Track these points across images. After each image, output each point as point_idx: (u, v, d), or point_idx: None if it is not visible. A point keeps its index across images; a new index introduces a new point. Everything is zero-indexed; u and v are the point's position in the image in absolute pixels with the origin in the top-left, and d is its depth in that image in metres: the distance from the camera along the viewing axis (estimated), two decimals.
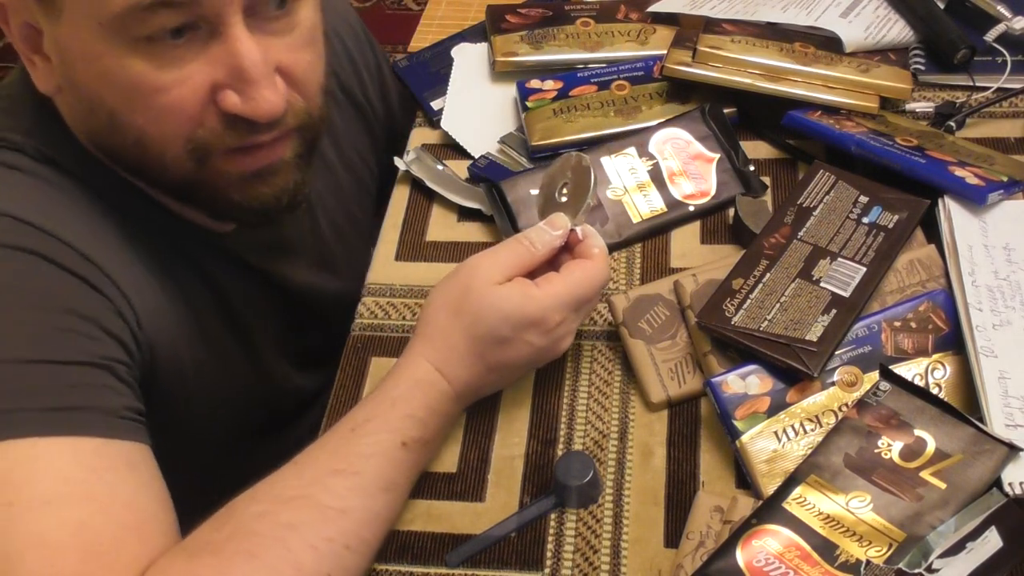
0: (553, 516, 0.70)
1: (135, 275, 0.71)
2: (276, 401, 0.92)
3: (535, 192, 0.84)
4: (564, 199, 0.73)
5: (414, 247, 0.88)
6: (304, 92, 0.69)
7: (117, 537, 0.57)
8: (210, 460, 0.83)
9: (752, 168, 0.89)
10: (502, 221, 0.86)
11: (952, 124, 0.89)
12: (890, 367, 0.69)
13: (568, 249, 0.71)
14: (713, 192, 0.87)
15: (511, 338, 0.67)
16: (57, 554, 0.55)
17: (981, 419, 0.65)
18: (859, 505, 0.62)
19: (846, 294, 0.72)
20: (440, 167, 0.93)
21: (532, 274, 0.69)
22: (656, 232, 0.86)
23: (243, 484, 0.62)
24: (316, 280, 0.91)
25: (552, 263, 0.71)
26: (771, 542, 0.61)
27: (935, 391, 0.69)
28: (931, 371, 0.70)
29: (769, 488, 0.66)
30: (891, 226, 0.76)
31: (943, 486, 0.62)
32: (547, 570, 0.67)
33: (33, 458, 0.58)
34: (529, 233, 0.70)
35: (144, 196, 0.74)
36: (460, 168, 0.93)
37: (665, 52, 0.95)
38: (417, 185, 0.93)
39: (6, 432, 0.58)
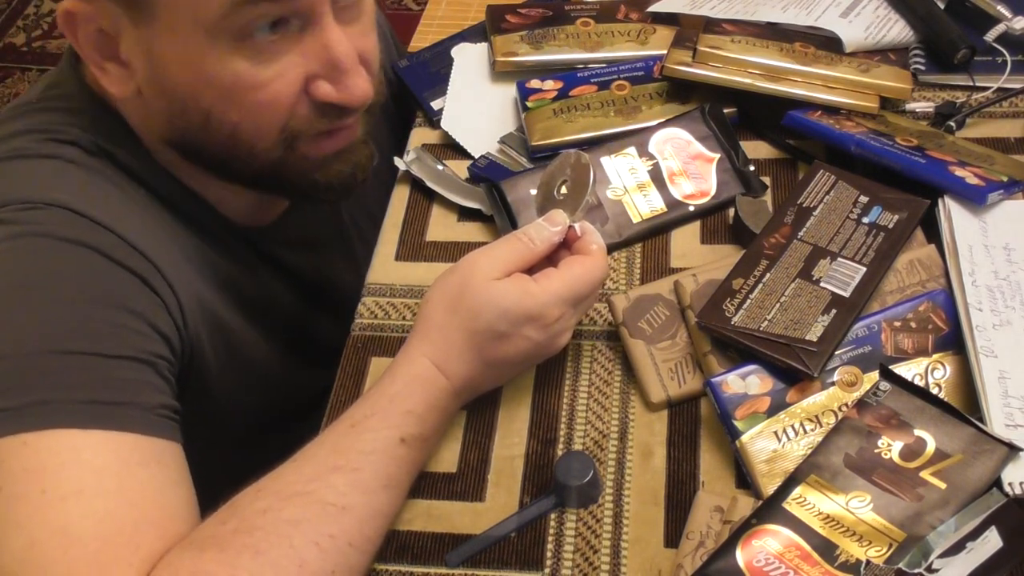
0: (553, 516, 0.70)
1: (183, 270, 0.73)
2: (295, 392, 0.94)
3: (535, 191, 0.85)
4: (562, 196, 0.73)
5: (414, 247, 0.88)
6: (373, 72, 0.72)
7: (138, 530, 0.58)
8: (231, 448, 0.85)
9: (752, 168, 0.89)
10: (502, 221, 0.86)
11: (952, 124, 0.89)
12: (890, 367, 0.69)
13: (566, 246, 0.72)
14: (713, 192, 0.87)
15: (509, 334, 0.67)
16: (76, 543, 0.56)
17: (981, 419, 0.65)
18: (859, 505, 0.62)
19: (846, 294, 0.72)
20: (440, 167, 0.93)
21: (530, 270, 0.70)
22: (656, 232, 0.86)
23: (261, 473, 0.63)
24: (336, 274, 0.94)
25: (550, 259, 0.71)
26: (771, 542, 0.61)
27: (935, 391, 0.69)
28: (931, 371, 0.70)
29: (769, 488, 0.66)
30: (891, 226, 0.77)
31: (943, 486, 0.62)
32: (547, 570, 0.67)
33: (70, 449, 0.59)
34: (528, 229, 0.70)
35: (188, 191, 0.77)
36: (460, 168, 0.93)
37: (665, 52, 0.95)
38: (417, 185, 0.93)
39: (47, 422, 0.59)
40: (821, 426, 0.68)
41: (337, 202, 0.86)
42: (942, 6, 0.97)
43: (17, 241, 0.65)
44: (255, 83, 0.66)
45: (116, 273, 0.67)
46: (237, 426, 0.85)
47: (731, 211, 0.85)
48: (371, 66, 0.72)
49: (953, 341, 0.71)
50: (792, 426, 0.68)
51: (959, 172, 0.80)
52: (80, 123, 0.72)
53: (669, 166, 0.89)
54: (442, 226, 0.90)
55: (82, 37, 0.67)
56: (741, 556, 0.60)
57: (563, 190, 0.73)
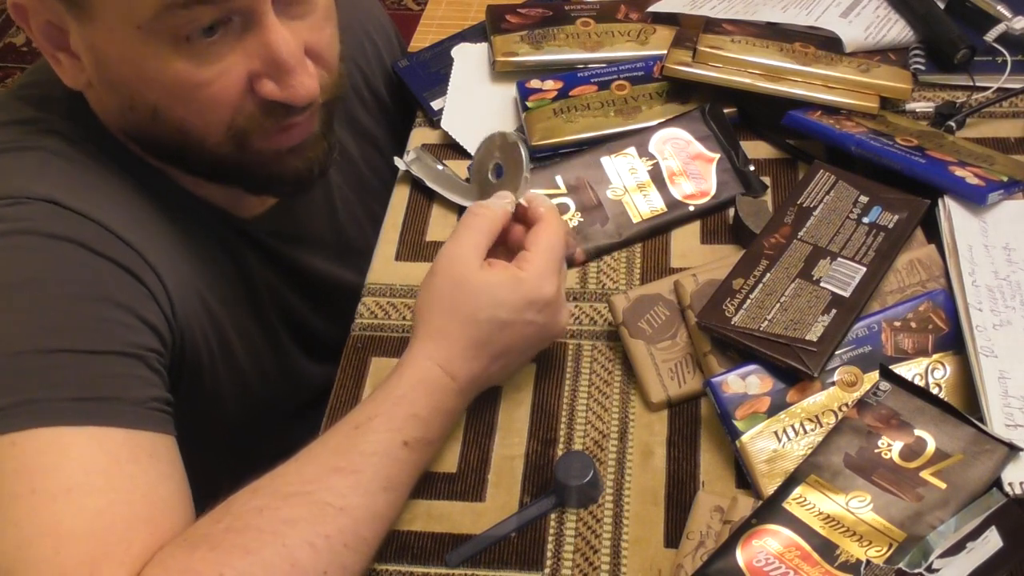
0: (553, 516, 0.70)
1: (171, 260, 0.73)
2: (294, 390, 0.94)
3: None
4: (497, 179, 0.74)
5: (414, 247, 0.88)
6: (328, 66, 0.71)
7: (130, 527, 0.58)
8: (231, 446, 0.84)
9: (752, 168, 0.89)
10: None
11: (952, 124, 0.89)
12: (890, 367, 0.69)
13: (518, 220, 0.73)
14: (713, 192, 0.87)
15: (512, 321, 0.68)
16: (67, 542, 0.56)
17: (981, 419, 0.65)
18: (859, 505, 0.62)
19: (846, 294, 0.72)
20: (440, 167, 0.93)
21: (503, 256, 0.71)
22: (656, 232, 0.86)
23: (262, 472, 0.63)
24: (334, 271, 0.93)
25: (504, 243, 0.72)
26: (771, 542, 0.61)
27: (935, 391, 0.69)
28: (931, 371, 0.70)
29: (769, 488, 0.66)
30: (891, 226, 0.76)
31: (943, 486, 0.62)
32: (547, 570, 0.67)
33: (60, 447, 0.59)
34: (481, 203, 0.71)
35: (171, 181, 0.76)
36: (460, 168, 0.93)
37: (665, 52, 0.95)
38: (417, 185, 0.93)
39: (35, 420, 0.59)
40: (821, 426, 0.68)
41: (294, 196, 0.84)
42: (942, 6, 0.97)
43: (1, 240, 0.65)
44: (197, 82, 0.65)
45: (101, 266, 0.67)
46: (233, 420, 0.85)
47: (731, 211, 0.85)
48: (324, 60, 0.70)
49: (953, 341, 0.71)
50: (792, 426, 0.68)
51: (959, 172, 0.80)
52: (59, 111, 0.72)
53: (669, 166, 0.89)
54: (442, 226, 0.90)
55: (34, 27, 0.67)
56: (741, 556, 0.60)
57: (497, 173, 0.74)
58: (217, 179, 0.76)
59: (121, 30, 0.63)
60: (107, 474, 0.59)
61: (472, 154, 0.93)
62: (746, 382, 0.70)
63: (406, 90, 1.02)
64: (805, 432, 0.68)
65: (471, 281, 0.67)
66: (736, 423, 0.68)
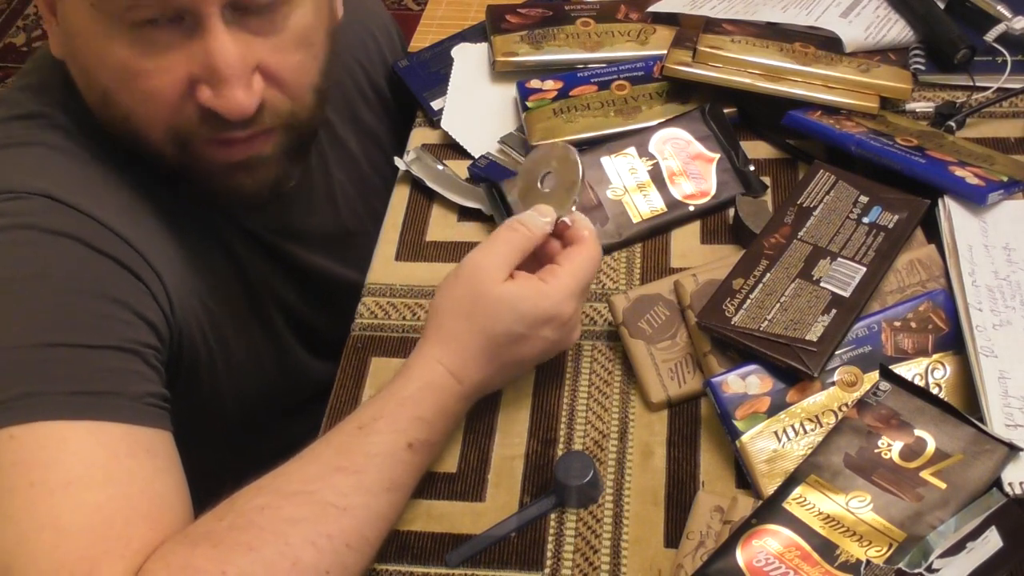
0: (553, 516, 0.70)
1: (168, 255, 0.73)
2: (294, 386, 0.94)
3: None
4: (547, 190, 0.72)
5: (414, 247, 0.88)
6: (291, 93, 0.71)
7: (129, 522, 0.58)
8: (230, 442, 0.85)
9: (752, 168, 0.89)
10: (502, 221, 0.86)
11: (952, 124, 0.89)
12: (890, 367, 0.69)
13: (555, 235, 0.72)
14: (713, 192, 0.87)
15: (527, 336, 0.67)
16: (67, 537, 0.56)
17: (981, 419, 0.65)
18: (859, 505, 0.62)
19: (846, 294, 0.72)
20: (440, 167, 0.93)
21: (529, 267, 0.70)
22: (656, 232, 0.86)
23: (261, 468, 0.63)
24: (335, 268, 0.93)
25: (535, 254, 0.71)
26: (771, 542, 0.61)
27: (935, 391, 0.69)
28: (931, 371, 0.70)
29: (769, 488, 0.66)
30: (891, 226, 0.77)
31: (943, 486, 0.62)
32: (547, 570, 0.67)
33: (58, 441, 0.59)
34: (521, 218, 0.70)
35: (166, 177, 0.76)
36: (460, 168, 0.93)
37: (665, 52, 0.95)
38: (417, 185, 0.93)
39: (34, 415, 0.59)
40: (821, 426, 0.68)
41: (242, 213, 0.83)
42: (942, 6, 0.97)
43: (1, 235, 0.65)
44: (138, 70, 0.66)
45: (100, 262, 0.67)
46: (232, 416, 0.85)
47: (731, 211, 0.85)
48: (286, 85, 0.70)
49: (953, 341, 0.71)
50: (792, 426, 0.68)
51: (959, 172, 0.80)
52: (55, 102, 0.72)
53: (669, 166, 0.89)
54: (442, 226, 0.90)
55: None
56: (741, 556, 0.60)
57: (547, 183, 0.73)
58: (170, 181, 0.75)
59: (80, 6, 0.64)
60: (106, 469, 0.59)
61: (472, 154, 0.94)
62: (746, 382, 0.70)
63: (406, 90, 1.02)
64: (805, 432, 0.68)
65: (493, 294, 0.67)
66: (736, 423, 0.68)
